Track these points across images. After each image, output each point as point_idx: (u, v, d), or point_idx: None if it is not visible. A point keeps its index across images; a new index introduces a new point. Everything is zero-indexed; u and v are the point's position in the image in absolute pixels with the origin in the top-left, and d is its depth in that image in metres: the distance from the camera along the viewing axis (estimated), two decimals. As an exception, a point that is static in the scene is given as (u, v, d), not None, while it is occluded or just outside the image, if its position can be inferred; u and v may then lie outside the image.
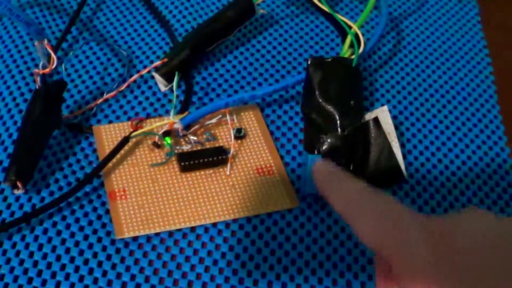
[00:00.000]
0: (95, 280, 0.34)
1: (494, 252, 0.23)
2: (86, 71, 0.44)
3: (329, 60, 0.41)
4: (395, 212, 0.25)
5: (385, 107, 0.40)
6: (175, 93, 0.41)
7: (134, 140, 0.39)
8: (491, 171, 0.41)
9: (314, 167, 0.29)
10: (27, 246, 0.35)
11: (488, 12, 0.52)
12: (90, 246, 0.35)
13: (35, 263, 0.34)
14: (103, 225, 0.36)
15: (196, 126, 0.40)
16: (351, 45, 0.43)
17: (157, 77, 0.43)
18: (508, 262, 0.23)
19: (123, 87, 0.43)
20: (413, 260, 0.24)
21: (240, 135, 0.40)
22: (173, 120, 0.39)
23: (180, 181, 0.38)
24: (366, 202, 0.26)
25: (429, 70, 0.47)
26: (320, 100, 0.40)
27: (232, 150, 0.40)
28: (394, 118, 0.43)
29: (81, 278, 0.34)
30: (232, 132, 0.40)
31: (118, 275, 0.34)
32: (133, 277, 0.34)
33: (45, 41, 0.37)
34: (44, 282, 0.34)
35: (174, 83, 0.41)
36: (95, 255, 0.35)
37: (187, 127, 0.40)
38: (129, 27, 0.47)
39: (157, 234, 0.36)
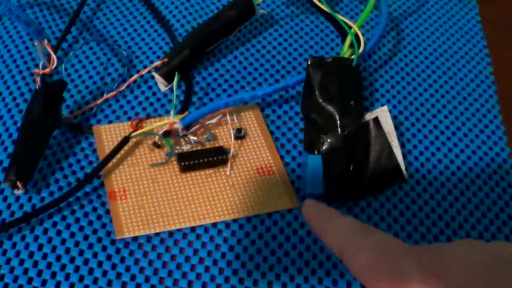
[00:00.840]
0: (95, 280, 0.34)
1: (488, 282, 0.24)
2: (86, 71, 0.44)
3: (329, 60, 0.41)
4: (388, 247, 0.26)
5: (385, 107, 0.40)
6: (175, 93, 0.41)
7: (134, 140, 0.39)
8: (491, 171, 0.41)
9: (303, 208, 0.30)
10: (27, 246, 0.35)
11: (488, 12, 0.52)
12: (90, 246, 0.35)
13: (35, 263, 0.34)
14: (103, 225, 0.36)
15: (196, 126, 0.40)
16: (351, 45, 0.43)
17: (157, 77, 0.43)
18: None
19: (123, 87, 0.43)
20: None
21: (240, 135, 0.40)
22: (173, 120, 0.39)
23: (180, 181, 0.38)
24: (358, 239, 0.27)
25: (429, 70, 0.47)
26: (320, 100, 0.40)
27: (232, 150, 0.40)
28: (394, 118, 0.43)
29: (81, 278, 0.34)
30: (232, 132, 0.40)
31: (118, 275, 0.34)
32: (133, 277, 0.34)
33: (45, 41, 0.37)
34: (44, 282, 0.34)
35: (174, 83, 0.41)
36: (95, 255, 0.35)
37: (187, 127, 0.40)
38: (129, 27, 0.47)
39: (157, 234, 0.36)
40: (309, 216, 0.29)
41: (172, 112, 0.39)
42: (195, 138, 0.40)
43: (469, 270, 0.24)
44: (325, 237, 0.28)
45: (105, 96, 0.42)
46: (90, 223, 0.36)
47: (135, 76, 0.43)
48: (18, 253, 0.35)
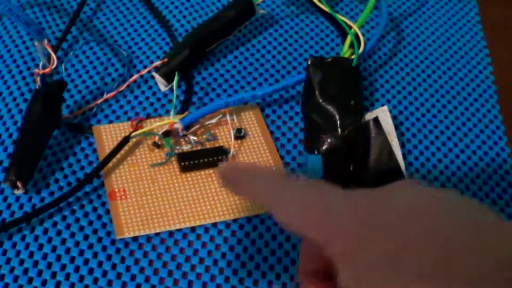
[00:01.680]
0: (95, 280, 0.34)
1: (420, 218, 0.22)
2: (86, 71, 0.44)
3: (329, 60, 0.41)
4: (315, 192, 0.24)
5: (385, 107, 0.40)
6: (175, 93, 0.41)
7: (134, 140, 0.39)
8: (491, 171, 0.41)
9: (218, 171, 0.27)
10: (27, 246, 0.35)
11: (487, 12, 0.52)
12: (90, 246, 0.35)
13: (35, 263, 0.34)
14: (103, 225, 0.36)
15: (196, 126, 0.40)
16: (351, 45, 0.43)
17: (157, 77, 0.43)
18: (436, 228, 0.22)
19: (123, 87, 0.43)
20: (338, 234, 0.22)
21: (240, 135, 0.40)
22: (173, 120, 0.39)
23: (180, 181, 0.38)
24: (283, 187, 0.25)
25: (429, 70, 0.47)
26: (320, 100, 0.40)
27: (232, 150, 0.40)
28: (394, 118, 0.43)
29: (81, 278, 0.34)
30: (232, 132, 0.40)
31: (118, 275, 0.34)
32: (133, 277, 0.34)
33: (45, 41, 0.37)
34: (44, 282, 0.34)
35: (174, 83, 0.41)
36: (95, 255, 0.35)
37: (187, 127, 0.40)
38: (129, 27, 0.47)
39: (157, 234, 0.36)
40: (227, 179, 0.27)
41: (172, 112, 0.39)
42: (195, 138, 0.40)
43: (402, 206, 0.23)
44: (248, 195, 0.26)
45: (105, 96, 0.42)
46: (90, 223, 0.36)
47: (135, 76, 0.43)
48: (18, 253, 0.34)
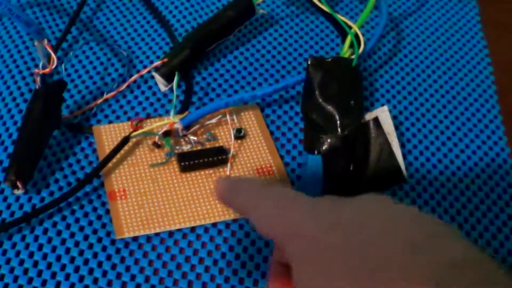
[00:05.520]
0: (95, 280, 0.34)
1: (380, 227, 0.23)
2: (86, 71, 0.44)
3: (329, 60, 0.41)
4: (286, 199, 0.26)
5: (385, 107, 0.40)
6: (175, 93, 0.41)
7: (134, 140, 0.39)
8: (491, 171, 0.41)
9: (215, 188, 0.30)
10: (27, 246, 0.35)
11: (488, 12, 0.52)
12: (90, 246, 0.35)
13: (35, 263, 0.34)
14: (103, 225, 0.36)
15: (196, 126, 0.40)
16: (351, 45, 0.43)
17: (157, 77, 0.43)
18: (392, 242, 0.22)
19: (123, 87, 0.43)
20: (301, 240, 0.24)
21: (240, 135, 0.40)
22: (173, 120, 0.39)
23: (180, 181, 0.38)
24: (259, 194, 0.27)
25: (429, 70, 0.47)
26: (320, 100, 0.40)
27: (232, 150, 0.40)
28: (394, 118, 0.43)
29: (81, 278, 0.34)
30: (232, 132, 0.40)
31: (118, 275, 0.34)
32: (133, 277, 0.34)
33: (45, 41, 0.37)
34: (44, 282, 0.34)
35: (174, 83, 0.41)
36: (95, 255, 0.35)
37: (187, 127, 0.40)
38: (129, 27, 0.47)
39: (157, 234, 0.36)
40: (220, 194, 0.30)
41: (172, 112, 0.39)
42: (195, 138, 0.40)
43: (363, 214, 0.24)
44: (232, 203, 0.29)
45: (105, 96, 0.42)
46: (90, 223, 0.36)
47: (135, 76, 0.43)
48: (18, 253, 0.35)
